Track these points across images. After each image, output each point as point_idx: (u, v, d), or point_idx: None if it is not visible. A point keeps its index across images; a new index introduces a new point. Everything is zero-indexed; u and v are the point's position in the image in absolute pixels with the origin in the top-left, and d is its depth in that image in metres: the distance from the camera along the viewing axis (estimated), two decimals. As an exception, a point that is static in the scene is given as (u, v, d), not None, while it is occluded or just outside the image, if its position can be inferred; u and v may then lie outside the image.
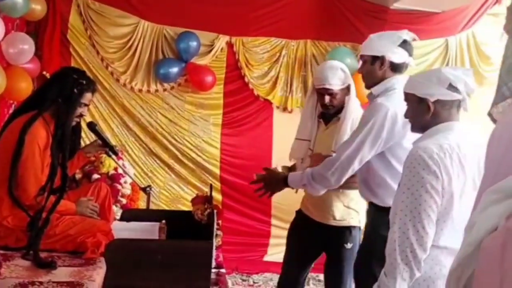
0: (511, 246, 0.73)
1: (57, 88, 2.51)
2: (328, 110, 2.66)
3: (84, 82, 2.55)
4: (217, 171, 4.78)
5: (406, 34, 2.35)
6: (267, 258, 4.72)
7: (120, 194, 3.18)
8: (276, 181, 2.56)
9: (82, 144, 2.94)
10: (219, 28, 4.66)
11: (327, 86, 2.60)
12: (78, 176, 3.17)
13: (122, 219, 3.03)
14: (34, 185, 2.41)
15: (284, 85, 4.81)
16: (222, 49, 4.71)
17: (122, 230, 2.76)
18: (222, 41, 4.69)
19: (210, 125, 4.78)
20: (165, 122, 4.71)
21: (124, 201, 3.19)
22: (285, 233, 3.01)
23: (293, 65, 4.78)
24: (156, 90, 4.68)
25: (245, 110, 4.80)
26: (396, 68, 2.34)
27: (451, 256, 1.62)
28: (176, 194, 4.73)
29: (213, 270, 2.80)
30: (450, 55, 4.74)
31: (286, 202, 4.20)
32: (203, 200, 2.78)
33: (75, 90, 2.49)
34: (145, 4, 4.56)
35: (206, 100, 4.77)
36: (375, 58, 2.34)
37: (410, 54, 2.34)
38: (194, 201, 2.84)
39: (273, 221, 4.82)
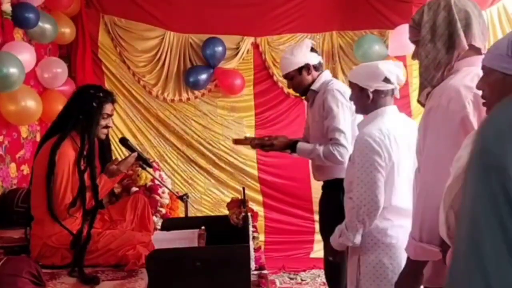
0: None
1: (77, 106, 2.60)
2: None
3: (102, 94, 2.62)
4: (255, 172, 4.79)
5: (309, 42, 2.92)
6: (313, 254, 4.69)
7: (159, 204, 3.25)
8: (283, 145, 2.91)
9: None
10: (243, 30, 4.68)
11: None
12: (117, 190, 3.26)
13: (163, 228, 3.09)
14: (67, 203, 2.49)
15: (313, 80, 4.78)
16: (248, 51, 4.73)
17: (163, 240, 2.82)
18: (247, 43, 4.71)
19: (243, 127, 4.80)
20: (199, 129, 4.77)
21: (163, 211, 3.26)
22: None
23: (320, 59, 4.74)
24: (188, 99, 4.75)
25: (276, 109, 4.79)
26: (318, 68, 2.89)
27: (395, 211, 2.12)
28: (217, 199, 4.78)
29: (255, 272, 2.81)
30: (483, 30, 4.56)
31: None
32: (238, 204, 2.80)
33: (94, 104, 2.57)
34: (169, 15, 4.63)
35: (237, 103, 4.81)
36: (300, 69, 2.83)
37: (319, 54, 2.93)
38: (229, 206, 2.86)
39: (316, 217, 4.75)
